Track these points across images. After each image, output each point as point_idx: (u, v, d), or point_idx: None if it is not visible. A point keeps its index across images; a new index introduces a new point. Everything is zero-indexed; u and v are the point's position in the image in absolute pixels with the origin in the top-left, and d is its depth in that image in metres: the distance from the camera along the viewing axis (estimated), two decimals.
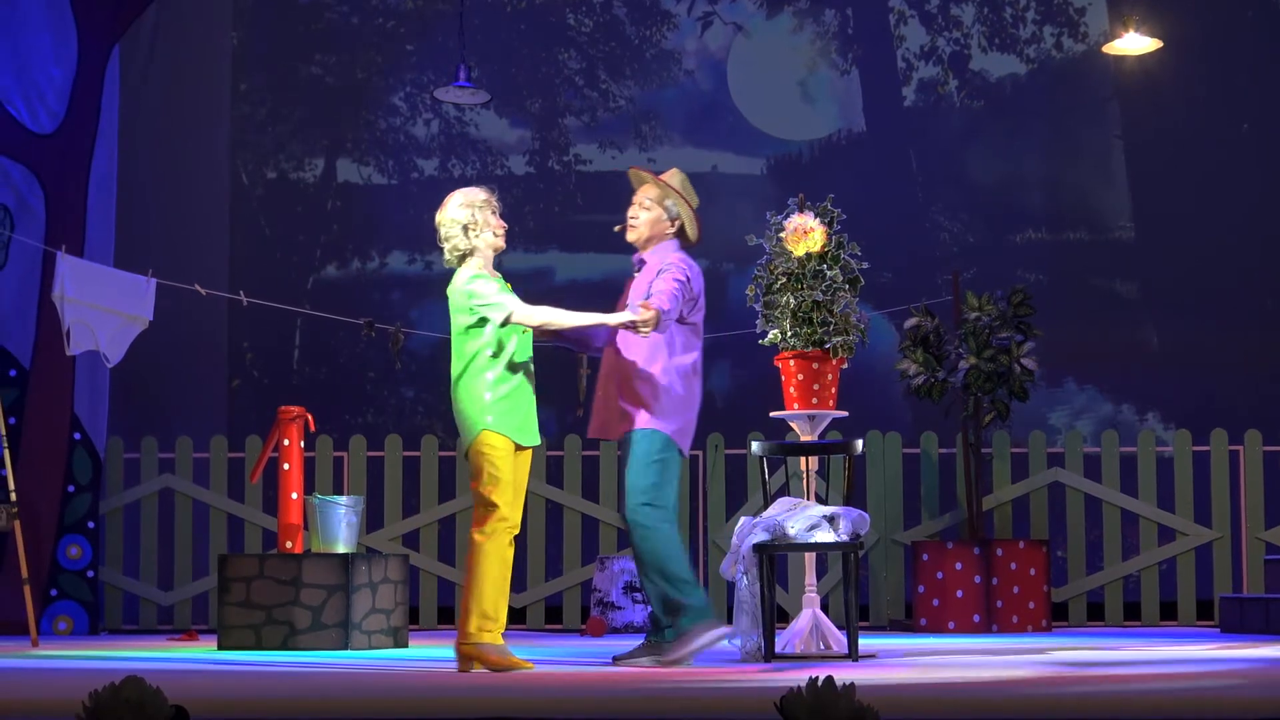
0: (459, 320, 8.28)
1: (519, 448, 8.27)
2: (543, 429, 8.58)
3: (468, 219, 8.27)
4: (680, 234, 8.75)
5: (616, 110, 15.20)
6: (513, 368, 8.25)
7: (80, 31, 12.33)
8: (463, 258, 8.31)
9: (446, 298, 8.37)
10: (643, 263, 8.73)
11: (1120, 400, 14.86)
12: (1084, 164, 15.11)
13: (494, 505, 8.14)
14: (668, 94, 15.26)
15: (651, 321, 8.15)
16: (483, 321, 8.21)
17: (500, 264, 8.55)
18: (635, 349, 8.53)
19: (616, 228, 8.91)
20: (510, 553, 8.21)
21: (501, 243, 8.37)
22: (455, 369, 8.28)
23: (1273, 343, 14.57)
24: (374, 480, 13.00)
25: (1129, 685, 6.74)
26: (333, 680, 7.41)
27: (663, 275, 8.48)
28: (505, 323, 8.19)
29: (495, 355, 8.21)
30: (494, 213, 8.35)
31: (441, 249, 8.37)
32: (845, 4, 15.27)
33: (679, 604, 8.41)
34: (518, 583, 12.84)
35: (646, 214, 8.72)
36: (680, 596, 8.42)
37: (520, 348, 8.31)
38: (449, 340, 8.51)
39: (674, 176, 8.81)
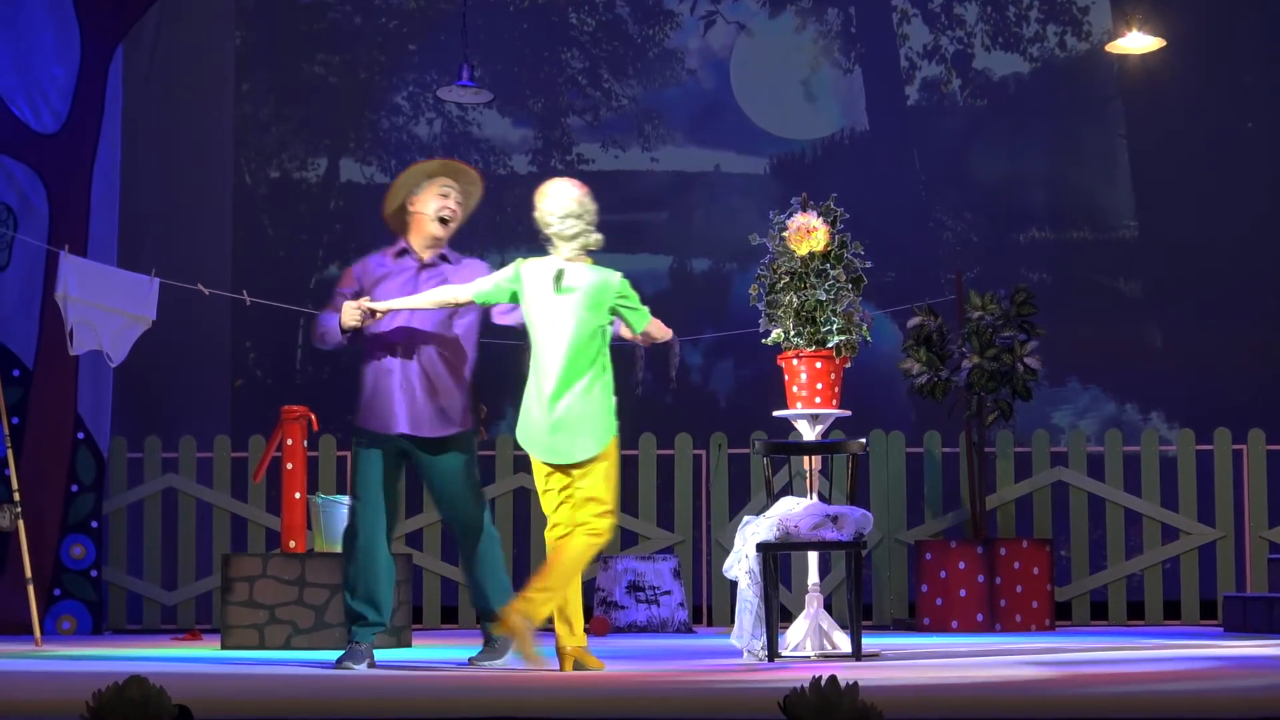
0: (594, 320, 7.96)
1: None
2: None
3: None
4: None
5: (619, 109, 15.21)
6: None
7: (83, 31, 12.33)
8: (580, 254, 8.09)
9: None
10: (443, 258, 8.58)
11: (1124, 399, 14.86)
12: (1087, 163, 15.11)
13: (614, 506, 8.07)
14: (670, 93, 15.26)
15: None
16: (607, 324, 8.02)
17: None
18: (456, 346, 8.51)
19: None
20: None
21: None
22: (578, 371, 7.92)
23: (1276, 342, 14.56)
24: None
25: (1132, 685, 6.74)
26: (336, 680, 7.41)
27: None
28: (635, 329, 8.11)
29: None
30: None
31: (569, 236, 8.07)
32: (848, 3, 15.27)
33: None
34: (521, 582, 12.85)
35: (464, 207, 8.67)
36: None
37: None
38: None
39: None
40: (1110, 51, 13.64)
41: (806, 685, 5.25)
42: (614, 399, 7.99)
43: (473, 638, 11.66)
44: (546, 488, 8.03)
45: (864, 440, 9.43)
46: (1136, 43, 13.07)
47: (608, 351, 8.01)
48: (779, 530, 8.66)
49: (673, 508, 12.89)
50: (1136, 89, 14.92)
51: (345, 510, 10.43)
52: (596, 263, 8.09)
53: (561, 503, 7.99)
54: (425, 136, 15.27)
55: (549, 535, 8.07)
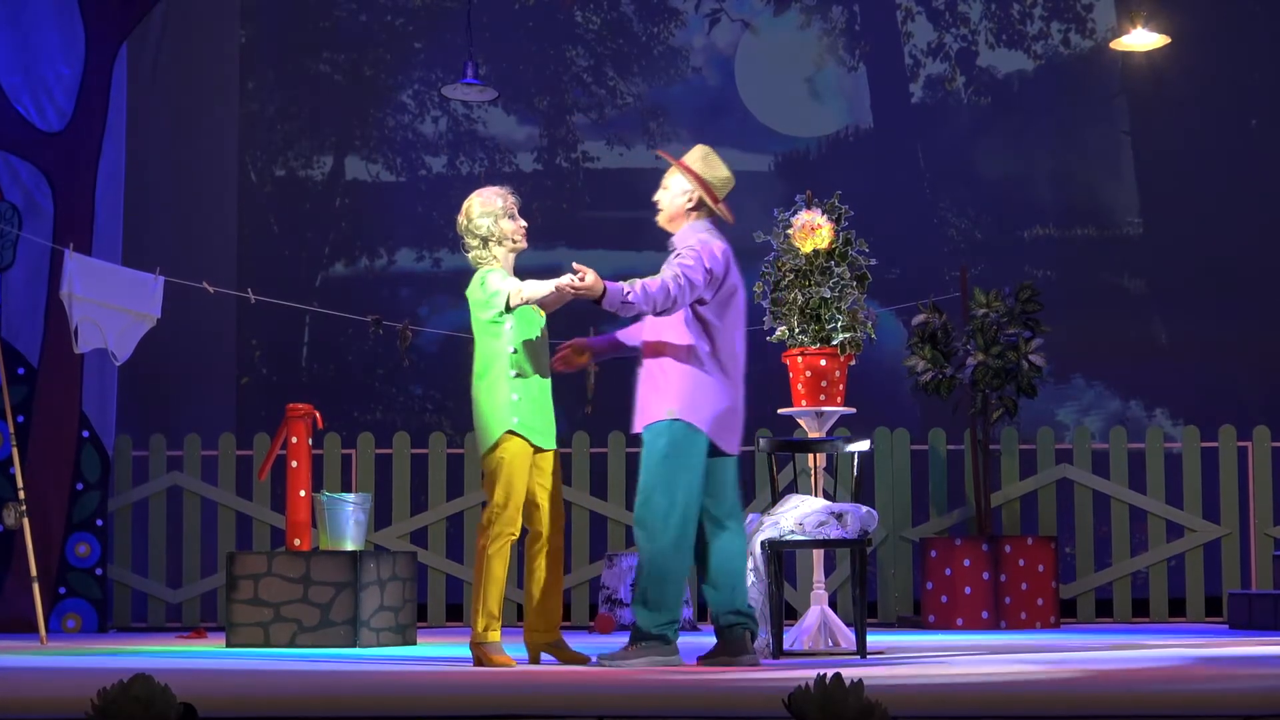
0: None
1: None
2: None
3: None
4: (700, 208, 8.32)
5: (624, 107, 15.20)
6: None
7: (88, 29, 12.34)
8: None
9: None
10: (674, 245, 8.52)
11: (1129, 396, 14.85)
12: (1092, 160, 15.10)
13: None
14: (675, 91, 15.26)
15: (584, 286, 7.96)
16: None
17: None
18: (661, 338, 8.25)
19: None
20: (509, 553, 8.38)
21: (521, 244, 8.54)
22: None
23: None
24: (382, 477, 13.01)
25: (1137, 682, 6.73)
26: (341, 678, 7.41)
27: (671, 259, 8.20)
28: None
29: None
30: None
31: None
32: (852, 0, 15.27)
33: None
34: None
35: (664, 194, 8.50)
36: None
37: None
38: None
39: (692, 152, 8.44)
40: (1115, 49, 13.64)
41: (811, 682, 5.25)
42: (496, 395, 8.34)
43: None
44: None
45: (869, 438, 9.43)
46: (1141, 40, 13.06)
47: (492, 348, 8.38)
48: (784, 528, 8.66)
49: None
50: (1141, 86, 14.91)
51: (350, 507, 10.44)
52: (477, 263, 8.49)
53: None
54: (430, 134, 15.27)
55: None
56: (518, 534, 8.32)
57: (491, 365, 8.28)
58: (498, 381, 8.27)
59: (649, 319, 8.21)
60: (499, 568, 8.24)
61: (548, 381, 8.40)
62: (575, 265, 7.98)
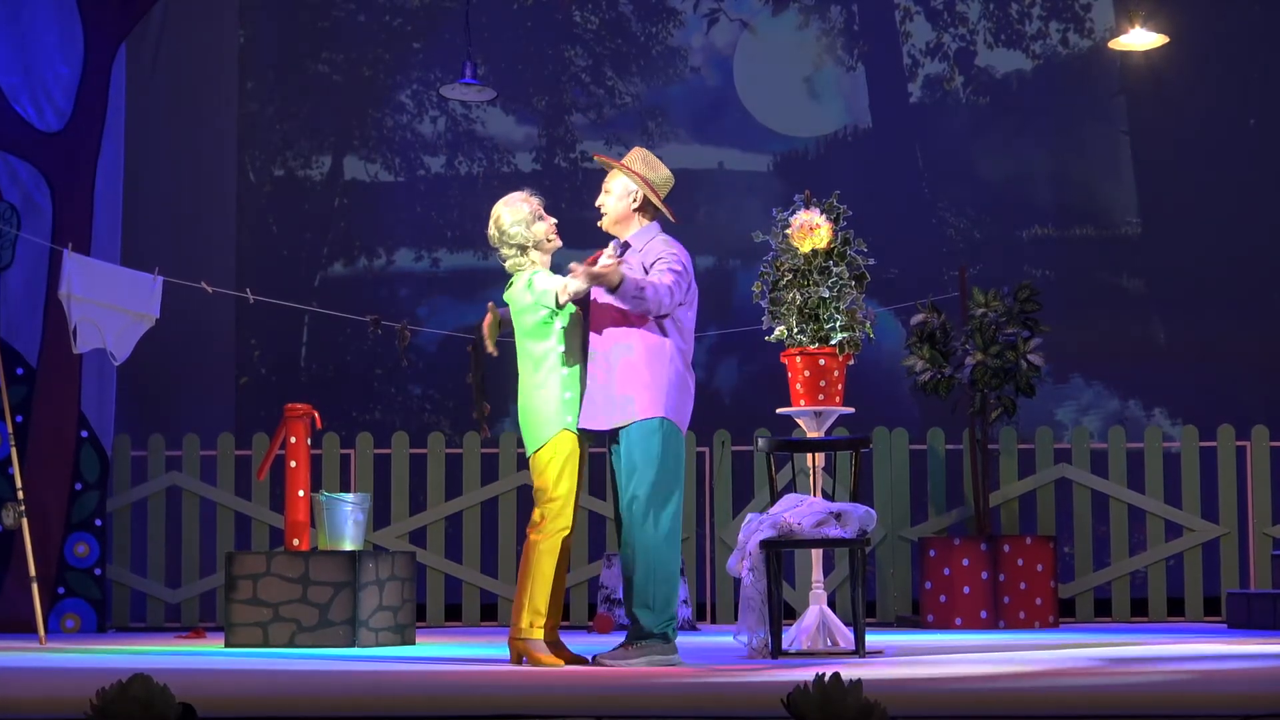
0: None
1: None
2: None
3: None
4: (646, 208, 8.44)
5: (623, 107, 15.20)
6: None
7: (87, 29, 12.34)
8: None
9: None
10: (626, 245, 8.47)
11: (1127, 396, 14.86)
12: (1090, 160, 15.10)
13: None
14: (674, 91, 15.26)
15: (603, 270, 8.04)
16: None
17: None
18: (638, 333, 8.31)
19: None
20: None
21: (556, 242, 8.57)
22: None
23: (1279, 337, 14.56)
24: (381, 477, 13.01)
25: (1136, 681, 6.74)
26: (339, 678, 7.42)
27: (658, 265, 8.29)
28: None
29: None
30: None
31: None
32: (851, 0, 15.27)
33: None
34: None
35: (606, 198, 8.59)
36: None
37: None
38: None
39: (631, 154, 8.53)
40: (1113, 48, 13.64)
41: (810, 682, 5.25)
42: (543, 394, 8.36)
43: (475, 635, 11.67)
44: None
45: (867, 437, 9.42)
46: (1139, 39, 13.07)
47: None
48: (782, 527, 8.66)
49: None
50: (1140, 86, 14.92)
51: (349, 507, 10.44)
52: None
53: None
54: (429, 134, 15.27)
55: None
56: (570, 530, 8.33)
57: (542, 365, 8.29)
58: (549, 380, 8.28)
59: (611, 310, 8.27)
60: (549, 565, 8.28)
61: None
62: (611, 249, 8.24)
